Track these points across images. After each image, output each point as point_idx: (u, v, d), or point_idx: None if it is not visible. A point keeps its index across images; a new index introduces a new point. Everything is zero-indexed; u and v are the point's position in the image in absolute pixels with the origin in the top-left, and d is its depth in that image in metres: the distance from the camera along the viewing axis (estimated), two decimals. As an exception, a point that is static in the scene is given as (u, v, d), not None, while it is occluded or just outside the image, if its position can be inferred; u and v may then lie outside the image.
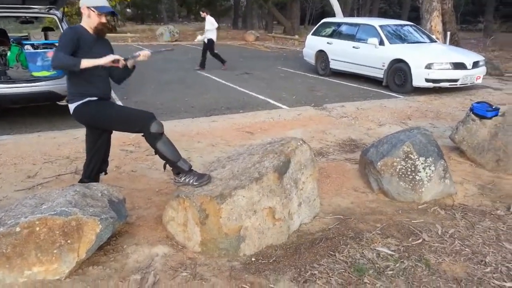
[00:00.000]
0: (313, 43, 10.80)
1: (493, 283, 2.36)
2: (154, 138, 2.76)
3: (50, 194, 2.62)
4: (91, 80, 2.83)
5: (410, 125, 5.88)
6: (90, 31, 2.85)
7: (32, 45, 5.96)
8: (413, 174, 3.44)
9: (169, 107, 6.83)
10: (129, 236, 2.82)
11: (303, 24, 31.46)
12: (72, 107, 2.86)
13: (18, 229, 2.21)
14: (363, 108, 6.89)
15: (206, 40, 10.82)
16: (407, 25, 9.89)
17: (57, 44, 2.73)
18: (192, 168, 2.87)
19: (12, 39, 6.99)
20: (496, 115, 4.34)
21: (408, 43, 9.03)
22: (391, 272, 2.45)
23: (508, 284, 2.35)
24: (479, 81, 8.26)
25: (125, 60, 2.86)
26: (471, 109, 4.50)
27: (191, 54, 15.00)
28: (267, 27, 29.63)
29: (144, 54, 2.93)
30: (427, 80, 7.89)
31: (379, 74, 8.75)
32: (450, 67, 7.88)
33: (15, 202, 2.62)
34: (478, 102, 4.55)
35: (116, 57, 2.74)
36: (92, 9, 2.81)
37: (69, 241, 2.30)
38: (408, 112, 6.73)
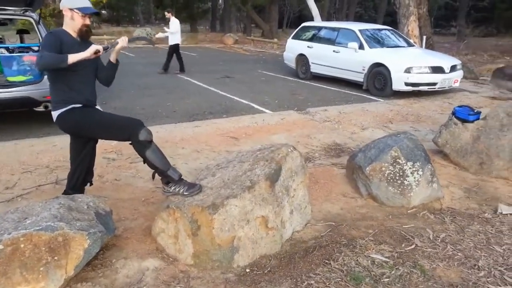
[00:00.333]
0: (293, 47, 10.83)
1: (488, 287, 2.37)
2: (143, 146, 2.66)
3: (33, 207, 2.49)
4: (75, 86, 2.71)
5: (392, 128, 5.95)
6: (74, 34, 2.73)
7: (7, 49, 5.72)
8: (402, 178, 3.46)
9: (150, 113, 6.70)
10: (117, 249, 2.72)
11: (281, 28, 31.65)
12: (55, 114, 2.73)
13: (1, 246, 2.08)
14: (345, 112, 6.93)
15: (169, 43, 10.64)
16: (385, 29, 10.03)
17: (34, 48, 2.61)
18: (182, 177, 2.79)
19: (-16, 43, 6.72)
20: (478, 118, 4.43)
21: (387, 47, 9.16)
22: (387, 279, 2.44)
23: (502, 289, 2.37)
24: (457, 84, 8.45)
25: (105, 49, 2.73)
26: (453, 113, 4.57)
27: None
28: (246, 30, 29.63)
29: (122, 40, 2.80)
30: (407, 84, 8.02)
31: (359, 78, 8.84)
32: (429, 71, 8.03)
33: (-5, 217, 2.48)
34: (460, 106, 4.63)
35: (98, 47, 2.62)
36: (76, 10, 2.69)
37: (56, 258, 2.19)
38: (389, 115, 6.81)
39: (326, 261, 2.61)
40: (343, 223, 3.15)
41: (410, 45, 9.70)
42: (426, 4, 13.78)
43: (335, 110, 7.05)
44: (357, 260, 2.63)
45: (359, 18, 31.69)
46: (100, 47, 2.64)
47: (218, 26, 33.79)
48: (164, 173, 2.74)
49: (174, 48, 10.69)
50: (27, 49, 5.68)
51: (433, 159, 4.49)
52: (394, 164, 3.49)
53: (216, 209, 2.51)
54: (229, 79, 10.40)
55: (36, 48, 5.45)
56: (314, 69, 10.05)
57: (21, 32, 7.49)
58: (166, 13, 10.88)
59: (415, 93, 8.31)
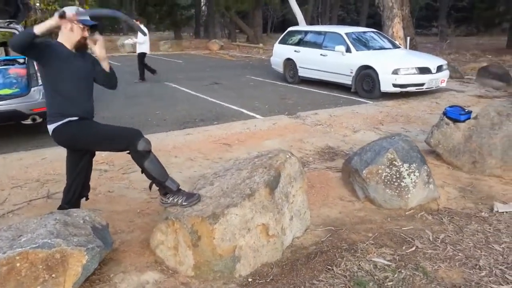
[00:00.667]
0: (280, 52, 10.86)
1: (491, 287, 2.38)
2: (142, 157, 2.61)
3: (27, 224, 2.41)
4: (71, 98, 2.64)
5: (383, 130, 5.98)
6: (69, 46, 2.67)
7: (-9, 62, 5.60)
8: (398, 180, 3.46)
9: (140, 121, 6.61)
10: (114, 263, 2.65)
11: (265, 32, 31.75)
12: (51, 128, 2.66)
13: (-4, 267, 2.02)
14: (336, 115, 6.96)
15: (137, 51, 10.71)
16: (371, 31, 10.13)
17: (20, 60, 2.56)
18: (180, 187, 2.74)
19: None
20: (469, 118, 4.47)
21: (374, 49, 9.24)
22: (391, 283, 2.43)
23: (505, 287, 2.37)
24: (444, 84, 8.56)
25: (61, 15, 2.56)
26: (445, 113, 4.61)
27: (154, 65, 14.72)
28: (230, 35, 29.64)
29: (68, 9, 2.64)
30: (395, 85, 8.10)
31: (348, 81, 8.89)
32: (416, 72, 8.12)
33: (-13, 235, 2.39)
34: (451, 106, 4.68)
35: (68, 13, 2.54)
36: (76, 22, 2.64)
37: (53, 276, 2.12)
38: (379, 117, 6.85)
39: (329, 266, 2.59)
40: (343, 227, 3.14)
41: (395, 46, 9.81)
42: (408, 6, 13.96)
43: (326, 114, 7.07)
44: (359, 264, 2.61)
45: (342, 21, 31.97)
46: (61, 11, 2.55)
47: (202, 32, 33.71)
48: (162, 183, 2.69)
49: (142, 57, 10.76)
50: (13, 62, 5.56)
51: (426, 159, 4.51)
52: (391, 166, 3.49)
53: (217, 218, 2.47)
54: (217, 85, 10.37)
55: (21, 61, 5.35)
56: (302, 73, 10.08)
57: (5, 44, 7.35)
58: (134, 21, 10.86)
59: (403, 94, 8.39)
